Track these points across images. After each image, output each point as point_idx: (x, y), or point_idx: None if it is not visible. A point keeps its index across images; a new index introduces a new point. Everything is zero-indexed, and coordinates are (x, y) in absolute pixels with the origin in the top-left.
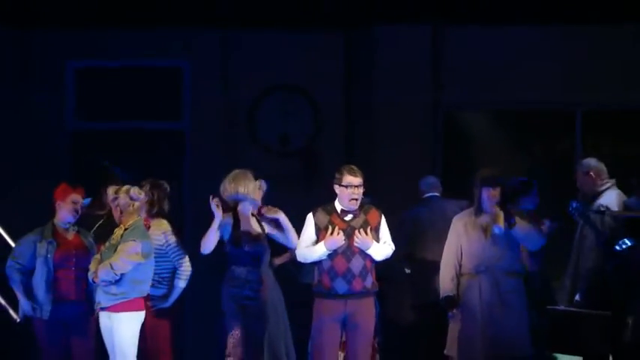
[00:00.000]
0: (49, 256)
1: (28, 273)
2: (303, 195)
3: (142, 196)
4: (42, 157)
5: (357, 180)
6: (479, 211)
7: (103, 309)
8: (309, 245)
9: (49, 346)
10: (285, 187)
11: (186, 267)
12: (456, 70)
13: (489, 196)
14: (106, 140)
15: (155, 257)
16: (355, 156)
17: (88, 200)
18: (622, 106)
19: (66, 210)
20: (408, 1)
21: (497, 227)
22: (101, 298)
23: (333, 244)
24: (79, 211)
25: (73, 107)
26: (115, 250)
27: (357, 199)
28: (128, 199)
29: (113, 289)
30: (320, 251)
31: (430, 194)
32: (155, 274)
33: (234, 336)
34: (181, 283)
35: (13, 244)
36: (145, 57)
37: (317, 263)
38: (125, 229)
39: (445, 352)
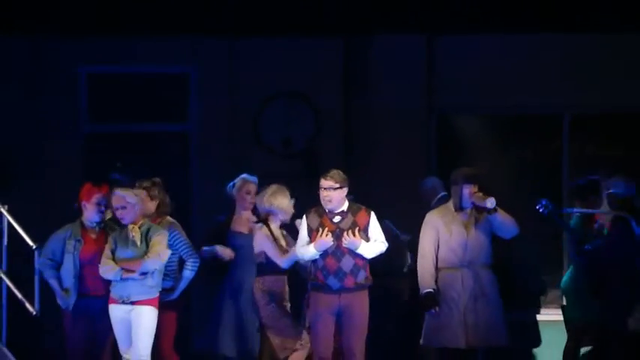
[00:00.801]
0: (75, 253)
1: (60, 267)
2: (304, 194)
3: (144, 194)
4: (56, 159)
5: (327, 183)
6: (459, 207)
7: (133, 302)
8: (304, 245)
9: (75, 339)
10: (287, 186)
11: (194, 258)
12: (449, 77)
13: (470, 192)
14: (117, 142)
15: None
16: (354, 157)
17: None
18: (607, 110)
19: (91, 210)
20: (405, 12)
21: (489, 201)
22: (132, 291)
23: (322, 246)
24: (104, 211)
25: (85, 111)
26: (147, 245)
27: (329, 201)
28: (145, 196)
29: (149, 281)
30: (311, 252)
31: (443, 193)
32: None
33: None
34: (189, 274)
35: (30, 242)
36: (154, 63)
37: (312, 260)
38: (139, 227)
39: (422, 342)
